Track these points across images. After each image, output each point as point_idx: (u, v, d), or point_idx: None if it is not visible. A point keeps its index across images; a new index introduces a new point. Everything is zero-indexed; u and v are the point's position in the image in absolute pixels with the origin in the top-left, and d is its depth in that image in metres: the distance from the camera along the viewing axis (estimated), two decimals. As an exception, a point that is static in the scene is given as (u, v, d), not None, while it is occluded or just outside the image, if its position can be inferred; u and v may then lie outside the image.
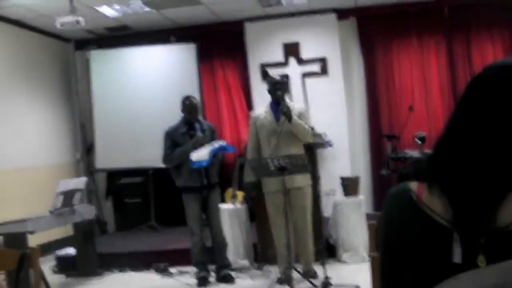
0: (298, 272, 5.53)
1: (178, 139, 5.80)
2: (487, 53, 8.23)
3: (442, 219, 1.12)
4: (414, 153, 7.53)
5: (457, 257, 1.09)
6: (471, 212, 1.08)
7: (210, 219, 5.94)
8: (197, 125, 5.91)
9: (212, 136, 5.99)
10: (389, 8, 8.35)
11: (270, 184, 5.54)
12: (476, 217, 1.08)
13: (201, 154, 5.64)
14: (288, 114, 5.40)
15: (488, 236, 1.07)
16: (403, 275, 1.18)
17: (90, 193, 8.74)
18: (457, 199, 1.10)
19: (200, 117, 6.22)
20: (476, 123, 1.12)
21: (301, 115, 5.59)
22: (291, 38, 8.40)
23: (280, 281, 5.65)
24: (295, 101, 6.60)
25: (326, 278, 5.41)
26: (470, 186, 1.09)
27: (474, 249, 1.08)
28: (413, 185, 1.19)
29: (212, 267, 6.03)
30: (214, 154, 5.72)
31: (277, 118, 5.56)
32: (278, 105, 5.53)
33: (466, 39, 8.39)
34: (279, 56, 8.43)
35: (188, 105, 5.90)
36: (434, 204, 1.13)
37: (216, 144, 5.76)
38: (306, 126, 5.52)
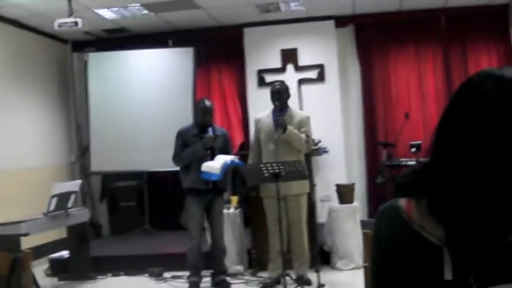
0: (292, 278, 5.52)
1: (189, 141, 5.75)
2: (483, 63, 8.25)
3: (432, 237, 1.10)
4: (409, 161, 7.55)
5: (448, 275, 1.07)
6: (461, 231, 1.06)
7: (212, 225, 5.89)
8: (209, 129, 5.85)
9: (226, 143, 5.92)
10: (387, 17, 8.38)
11: (267, 189, 5.53)
12: (467, 236, 1.06)
13: (212, 167, 5.56)
14: (282, 125, 5.42)
15: (480, 253, 1.05)
16: None
17: (84, 196, 8.70)
18: (447, 217, 1.08)
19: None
20: (461, 136, 1.10)
21: (301, 124, 5.58)
22: (289, 44, 8.39)
23: (264, 286, 5.66)
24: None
25: (320, 285, 5.40)
26: (458, 204, 1.07)
27: (465, 266, 1.06)
28: (402, 202, 1.17)
29: (207, 272, 5.99)
30: (226, 170, 5.66)
31: (275, 125, 5.57)
32: (280, 112, 5.56)
33: (462, 49, 8.43)
34: (276, 62, 8.42)
35: (201, 107, 5.86)
36: (424, 221, 1.11)
37: (229, 159, 5.67)
38: (303, 137, 5.49)
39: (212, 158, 5.68)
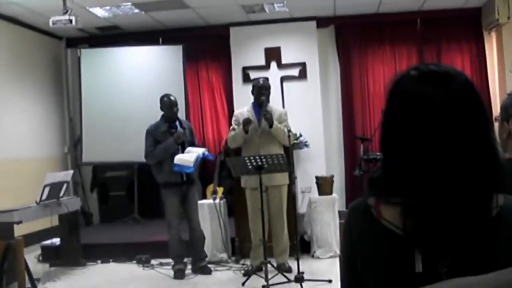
0: (273, 266, 5.52)
1: (159, 137, 5.73)
2: (456, 64, 8.29)
3: (401, 231, 1.09)
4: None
5: (418, 267, 1.06)
6: (429, 223, 1.05)
7: (189, 213, 5.88)
8: (177, 124, 5.85)
9: (192, 135, 5.97)
10: (366, 18, 8.41)
11: (249, 181, 5.53)
12: (434, 228, 1.05)
13: (185, 159, 5.57)
14: (270, 120, 5.45)
15: (448, 244, 1.05)
16: (365, 285, 1.16)
17: (76, 186, 8.63)
18: (412, 211, 1.06)
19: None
20: (396, 133, 1.11)
21: (281, 118, 5.62)
22: (272, 43, 8.38)
23: (246, 273, 5.65)
24: (274, 104, 6.57)
25: (300, 272, 5.40)
26: (419, 197, 1.06)
27: (435, 258, 1.06)
28: (372, 199, 1.16)
29: (188, 259, 5.97)
30: (198, 162, 5.70)
31: (258, 119, 5.58)
32: (260, 107, 5.59)
33: (436, 49, 8.49)
34: (261, 60, 8.41)
35: (167, 101, 5.85)
36: (393, 217, 1.10)
37: (201, 152, 5.70)
38: (285, 130, 5.52)
39: (182, 151, 5.69)
